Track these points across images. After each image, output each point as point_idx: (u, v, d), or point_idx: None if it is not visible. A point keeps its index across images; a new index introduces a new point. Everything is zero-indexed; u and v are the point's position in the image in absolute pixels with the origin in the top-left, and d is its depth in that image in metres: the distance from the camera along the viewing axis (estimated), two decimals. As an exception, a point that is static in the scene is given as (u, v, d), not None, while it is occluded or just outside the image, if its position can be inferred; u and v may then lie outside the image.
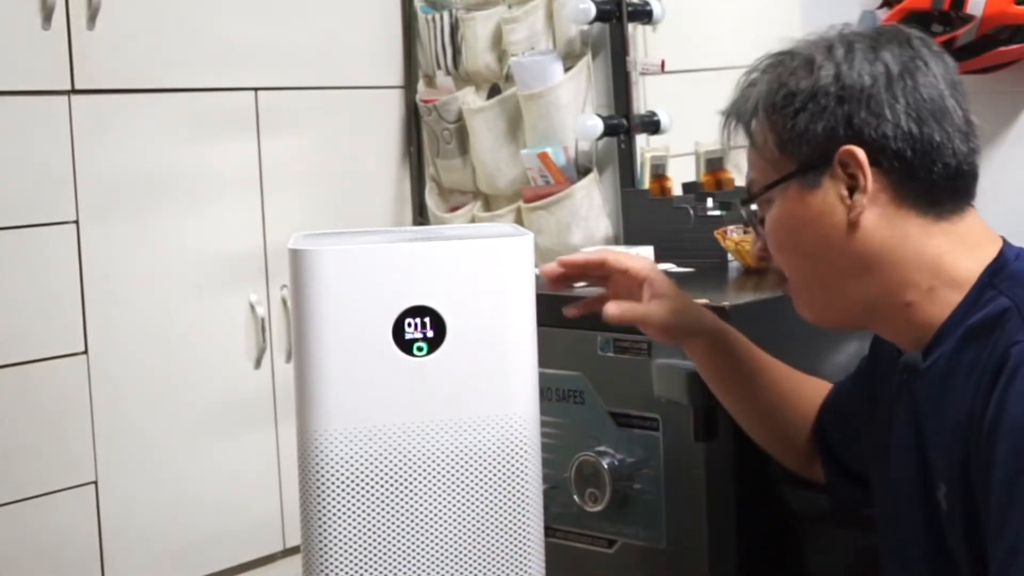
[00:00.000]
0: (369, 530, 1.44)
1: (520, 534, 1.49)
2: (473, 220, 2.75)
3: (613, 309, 1.55)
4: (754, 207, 1.39)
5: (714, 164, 2.56)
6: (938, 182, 1.29)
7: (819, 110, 1.30)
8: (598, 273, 1.60)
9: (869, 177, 1.28)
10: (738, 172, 2.58)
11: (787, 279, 1.39)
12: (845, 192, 1.30)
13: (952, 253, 1.30)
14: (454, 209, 2.82)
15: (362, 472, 1.43)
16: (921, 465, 1.31)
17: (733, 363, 1.60)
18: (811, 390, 1.63)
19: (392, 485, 1.44)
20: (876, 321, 1.36)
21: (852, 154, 1.28)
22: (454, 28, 2.74)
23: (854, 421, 1.53)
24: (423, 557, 1.45)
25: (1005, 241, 1.34)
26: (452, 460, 1.45)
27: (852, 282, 1.32)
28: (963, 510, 1.24)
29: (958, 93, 1.31)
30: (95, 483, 2.38)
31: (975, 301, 1.28)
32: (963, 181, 1.31)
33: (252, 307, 2.57)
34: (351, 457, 1.43)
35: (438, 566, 1.45)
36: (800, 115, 1.31)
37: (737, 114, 1.38)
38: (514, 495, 1.48)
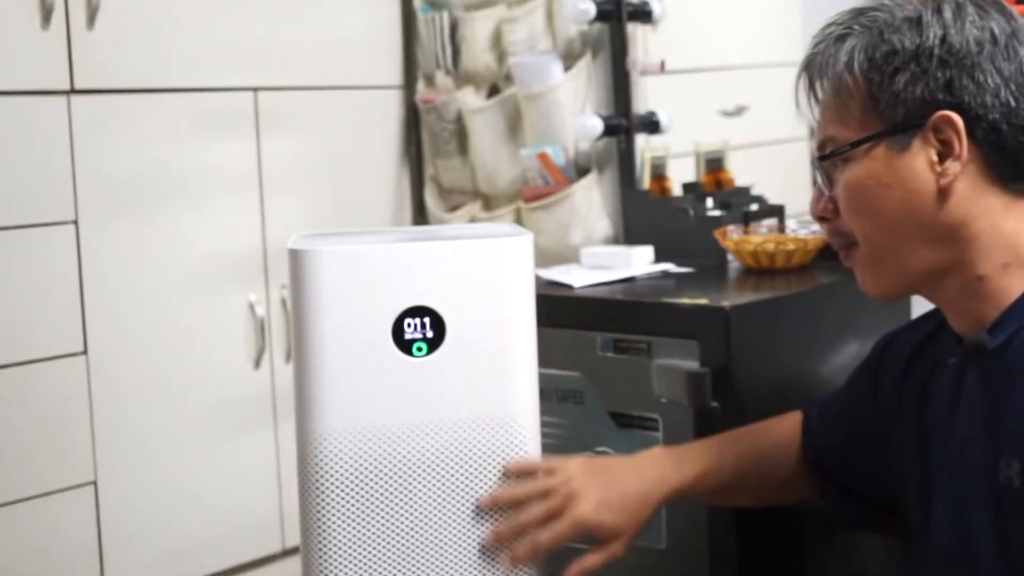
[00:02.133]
0: (369, 530, 1.44)
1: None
2: (473, 220, 2.75)
3: (576, 571, 1.51)
4: (835, 161, 1.33)
5: (714, 164, 2.56)
6: (1022, 158, 1.27)
7: (920, 71, 1.26)
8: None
9: (965, 145, 1.25)
10: (737, 172, 2.58)
11: (853, 245, 1.34)
12: (935, 158, 1.27)
13: None
14: (454, 209, 2.81)
15: (362, 472, 1.43)
16: (991, 445, 1.27)
17: (700, 487, 1.56)
18: (778, 434, 1.60)
19: (392, 485, 1.44)
20: (942, 292, 1.32)
21: (950, 120, 1.25)
22: (454, 28, 2.74)
23: (856, 439, 1.51)
24: (423, 557, 1.45)
25: None
26: (452, 460, 1.45)
27: (927, 249, 1.29)
28: None
29: None
30: (95, 483, 2.37)
31: None
32: None
33: (252, 307, 2.57)
34: (351, 457, 1.43)
35: (438, 566, 1.45)
36: (899, 74, 1.27)
37: (822, 66, 1.32)
38: (514, 495, 1.48)
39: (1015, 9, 1.30)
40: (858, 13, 1.33)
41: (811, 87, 1.35)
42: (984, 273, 1.28)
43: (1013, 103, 1.26)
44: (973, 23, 1.27)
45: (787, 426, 1.60)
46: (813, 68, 1.34)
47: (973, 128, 1.26)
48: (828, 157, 1.32)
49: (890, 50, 1.27)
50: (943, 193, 1.27)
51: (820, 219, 1.37)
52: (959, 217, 1.27)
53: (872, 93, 1.28)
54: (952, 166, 1.26)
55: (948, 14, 1.27)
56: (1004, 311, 1.28)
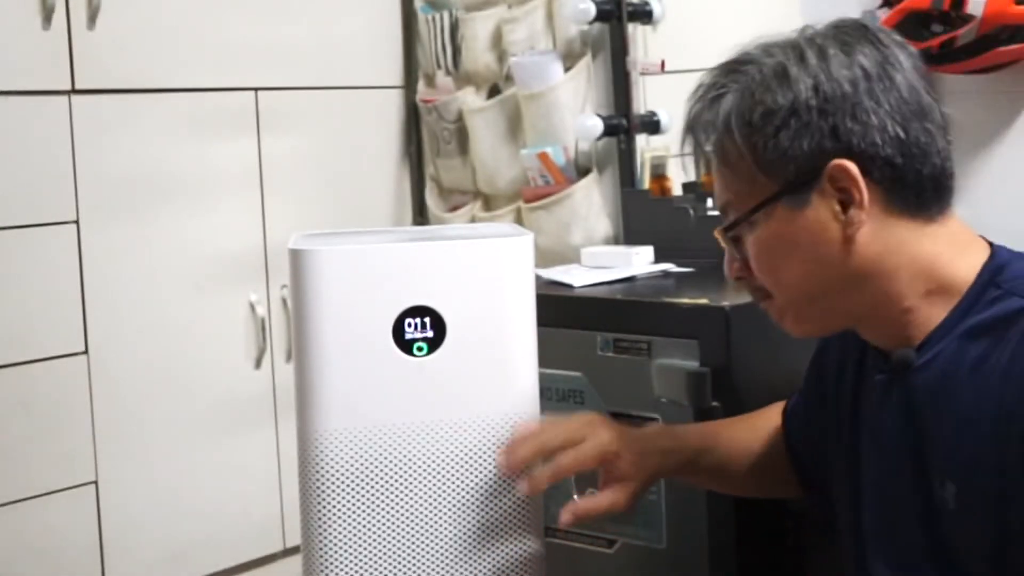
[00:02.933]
0: (369, 530, 1.44)
1: (520, 534, 1.49)
2: (473, 220, 2.75)
3: (567, 517, 1.47)
4: (737, 231, 1.31)
5: (714, 164, 2.56)
6: (926, 184, 1.24)
7: (802, 125, 1.22)
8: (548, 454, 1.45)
9: (864, 191, 1.22)
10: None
11: (770, 296, 1.33)
12: (838, 208, 1.23)
13: (946, 255, 1.27)
14: (454, 209, 2.82)
15: (362, 472, 1.43)
16: (919, 463, 1.28)
17: (699, 464, 1.54)
18: (763, 423, 1.59)
19: (392, 485, 1.44)
20: (868, 326, 1.32)
21: (844, 169, 1.22)
22: (454, 28, 2.74)
23: (816, 436, 1.50)
24: (423, 557, 1.45)
25: (988, 241, 1.31)
26: (452, 460, 1.45)
27: (847, 295, 1.27)
28: (981, 509, 1.21)
29: (929, 85, 1.26)
30: (95, 483, 2.38)
31: (976, 300, 1.26)
32: (948, 180, 1.27)
33: (252, 307, 2.57)
34: (351, 457, 1.43)
35: (438, 566, 1.45)
36: (782, 132, 1.23)
37: (703, 130, 1.30)
38: (514, 495, 1.48)
39: (881, 31, 1.27)
40: (729, 69, 1.29)
41: (700, 149, 1.32)
42: (910, 305, 1.27)
43: (902, 134, 1.22)
44: (841, 63, 1.23)
45: (772, 415, 1.60)
46: (696, 132, 1.31)
47: (869, 169, 1.22)
48: (731, 228, 1.30)
49: (765, 110, 1.23)
50: (851, 240, 1.24)
51: (737, 278, 1.35)
52: (873, 257, 1.25)
53: (758, 156, 1.25)
54: (857, 214, 1.23)
55: (813, 60, 1.24)
56: (930, 333, 1.27)
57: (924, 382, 1.27)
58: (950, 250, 1.27)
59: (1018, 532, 1.20)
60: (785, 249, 1.27)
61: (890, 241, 1.25)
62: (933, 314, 1.27)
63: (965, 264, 1.27)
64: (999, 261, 1.28)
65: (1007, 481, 1.20)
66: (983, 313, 1.24)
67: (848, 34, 1.26)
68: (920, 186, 1.24)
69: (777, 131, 1.23)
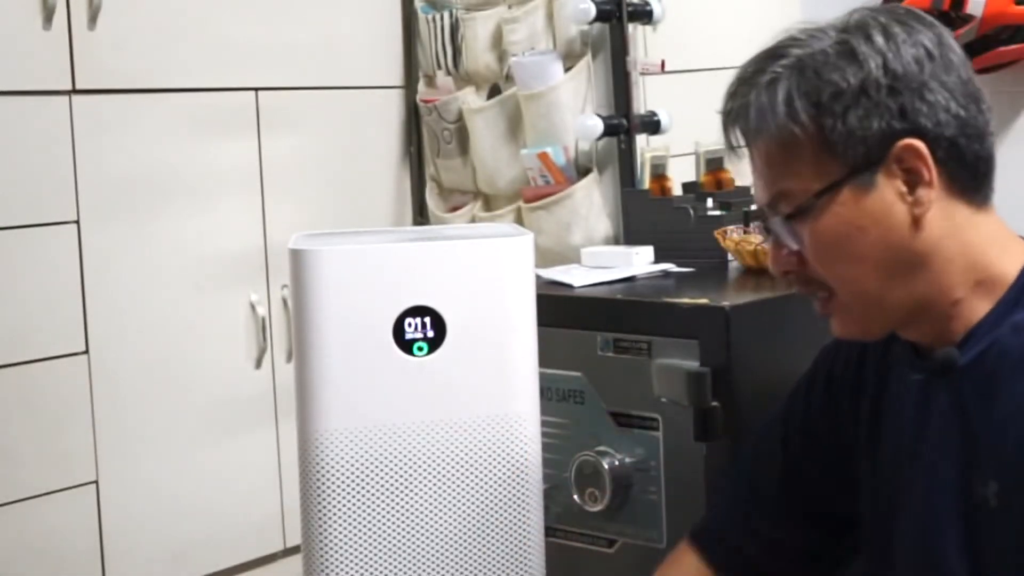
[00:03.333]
0: (369, 530, 1.44)
1: (520, 534, 1.49)
2: (473, 220, 2.75)
3: None
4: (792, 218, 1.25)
5: (714, 164, 2.56)
6: (980, 166, 1.24)
7: (872, 105, 1.20)
8: None
9: (934, 171, 1.20)
10: (738, 172, 2.58)
11: (831, 295, 1.28)
12: (904, 188, 1.21)
13: (993, 247, 1.25)
14: (454, 209, 2.82)
15: (362, 472, 1.44)
16: (965, 462, 1.24)
17: None
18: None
19: (392, 485, 1.44)
20: (919, 323, 1.27)
21: (913, 148, 1.20)
22: (454, 28, 2.74)
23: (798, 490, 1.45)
24: (423, 557, 1.45)
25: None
26: (452, 460, 1.45)
27: (904, 285, 1.24)
28: (1022, 508, 1.19)
29: (971, 69, 1.25)
30: (95, 483, 2.38)
31: (1020, 296, 1.23)
32: (993, 163, 1.26)
33: (252, 307, 2.57)
34: (351, 457, 1.43)
35: (438, 566, 1.45)
36: (850, 112, 1.20)
37: (757, 118, 1.24)
38: (514, 495, 1.48)
39: (928, 15, 1.26)
40: (772, 55, 1.25)
41: (746, 138, 1.27)
42: (960, 297, 1.24)
43: (963, 113, 1.21)
44: (906, 43, 1.21)
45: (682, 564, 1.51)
46: (748, 120, 1.26)
47: (934, 149, 1.20)
48: (794, 216, 1.24)
49: (835, 90, 1.20)
50: (919, 222, 1.22)
51: (785, 274, 1.30)
52: (936, 240, 1.22)
53: (826, 138, 1.21)
54: (926, 194, 1.21)
55: (880, 39, 1.21)
56: (972, 327, 1.24)
57: (971, 380, 1.24)
58: (996, 242, 1.25)
59: None
60: (854, 235, 1.23)
61: (949, 224, 1.23)
62: (977, 308, 1.24)
63: (1010, 259, 1.25)
64: None
65: None
66: None
67: (905, 15, 1.25)
68: (976, 168, 1.24)
69: (846, 110, 1.20)
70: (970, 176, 1.23)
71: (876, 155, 1.20)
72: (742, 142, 1.28)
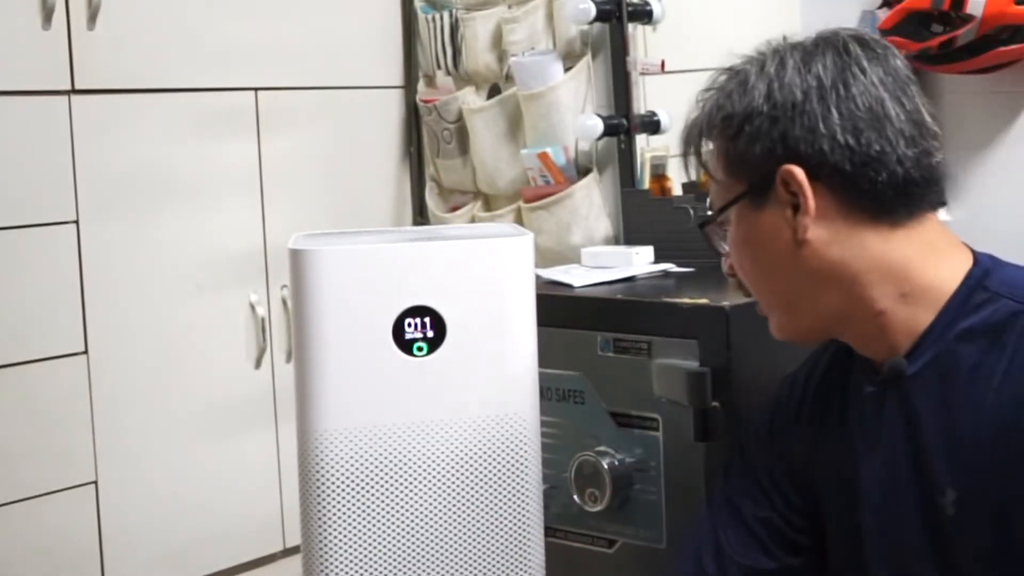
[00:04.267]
0: (369, 530, 1.44)
1: (520, 534, 1.49)
2: (473, 220, 2.75)
3: None
4: (717, 226, 1.38)
5: (714, 164, 2.56)
6: (886, 191, 1.26)
7: (755, 131, 1.28)
8: None
9: (809, 195, 1.26)
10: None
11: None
12: (790, 212, 1.28)
13: (920, 259, 1.28)
14: (454, 209, 2.82)
15: (362, 472, 1.43)
16: (919, 471, 1.28)
17: None
18: None
19: (392, 485, 1.44)
20: (847, 331, 1.34)
21: (791, 173, 1.26)
22: (454, 28, 2.74)
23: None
24: (423, 557, 1.45)
25: (971, 248, 1.32)
26: (452, 460, 1.45)
27: (816, 295, 1.30)
28: (981, 515, 1.22)
29: (903, 94, 1.28)
30: (95, 483, 2.38)
31: (963, 303, 1.26)
32: (915, 187, 1.27)
33: (252, 307, 2.57)
34: (351, 457, 1.43)
35: (438, 566, 1.45)
36: (739, 137, 1.29)
37: (687, 139, 1.37)
38: (514, 495, 1.48)
39: (856, 40, 1.29)
40: (715, 77, 1.36)
41: (687, 162, 1.39)
42: (883, 308, 1.28)
43: (853, 142, 1.25)
44: (797, 71, 1.27)
45: None
46: (687, 142, 1.37)
47: (818, 175, 1.26)
48: (706, 223, 1.38)
49: (726, 115, 1.30)
50: (803, 244, 1.28)
51: (729, 275, 1.40)
52: (833, 261, 1.28)
53: (725, 158, 1.32)
54: (803, 220, 1.27)
55: (771, 69, 1.28)
56: (917, 339, 1.28)
57: (919, 390, 1.27)
58: (925, 255, 1.28)
59: (1019, 539, 1.20)
60: (751, 248, 1.33)
61: (851, 245, 1.27)
62: (915, 316, 1.28)
63: (946, 268, 1.28)
64: (984, 265, 1.29)
65: (1007, 488, 1.20)
66: (973, 317, 1.25)
67: (819, 44, 1.30)
68: (879, 193, 1.26)
69: (736, 135, 1.30)
70: (872, 200, 1.27)
71: (764, 179, 1.28)
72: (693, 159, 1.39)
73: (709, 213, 1.39)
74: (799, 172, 1.26)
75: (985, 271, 1.28)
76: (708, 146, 1.34)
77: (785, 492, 1.46)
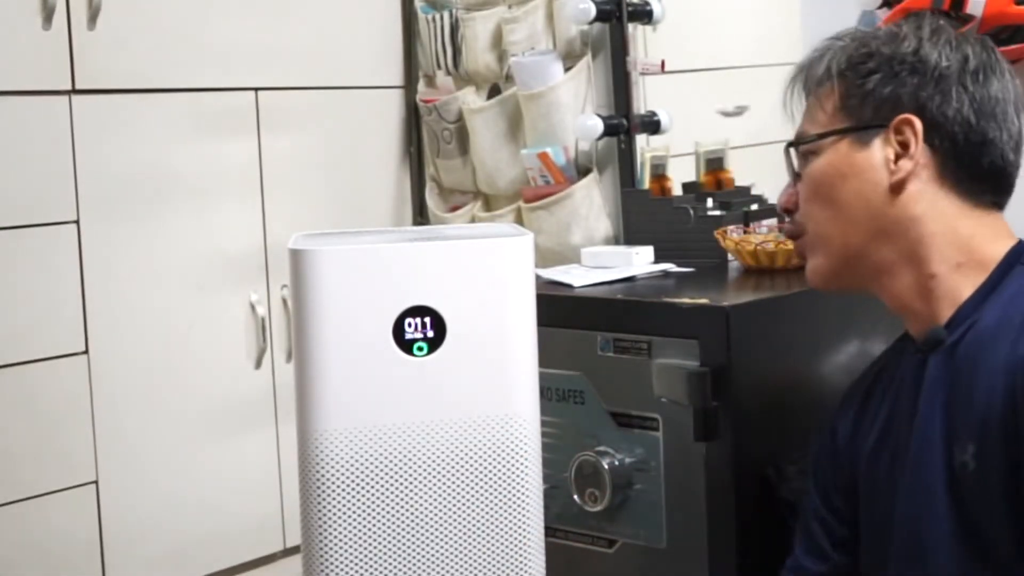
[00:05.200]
0: (369, 530, 1.44)
1: (520, 534, 1.49)
2: (473, 220, 2.75)
3: None
4: (803, 153, 1.43)
5: (714, 164, 2.56)
6: (981, 175, 1.36)
7: (891, 75, 1.36)
8: None
9: (920, 146, 1.34)
10: (738, 172, 2.58)
11: (804, 233, 1.43)
12: (892, 156, 1.35)
13: (984, 237, 1.36)
14: (454, 209, 2.82)
15: (362, 472, 1.44)
16: (948, 432, 1.33)
17: None
18: None
19: (392, 485, 1.44)
20: (889, 288, 1.39)
21: (910, 122, 1.34)
22: (454, 28, 2.74)
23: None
24: (423, 557, 1.45)
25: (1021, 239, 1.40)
26: (452, 460, 1.45)
27: (876, 245, 1.37)
28: (999, 469, 1.27)
29: (1021, 109, 1.38)
30: (95, 483, 2.38)
31: (1001, 278, 1.34)
32: (1004, 183, 1.38)
33: (252, 307, 2.57)
34: (351, 457, 1.43)
35: (438, 566, 1.45)
36: (872, 76, 1.37)
37: (809, 67, 1.43)
38: (514, 495, 1.48)
39: (1001, 52, 1.40)
40: (854, 30, 1.44)
41: (794, 90, 1.46)
42: (937, 271, 1.36)
43: (973, 121, 1.34)
44: (948, 44, 1.37)
45: None
46: (802, 73, 1.45)
47: (932, 135, 1.35)
48: (798, 143, 1.43)
49: (867, 52, 1.38)
50: (895, 189, 1.35)
51: (785, 211, 1.46)
52: (912, 215, 1.35)
53: (845, 91, 1.39)
54: (904, 164, 1.35)
55: (926, 31, 1.38)
56: (957, 308, 1.35)
57: (957, 357, 1.33)
58: (989, 236, 1.37)
59: None
60: (835, 180, 1.39)
61: (933, 207, 1.36)
62: (959, 287, 1.35)
63: (999, 248, 1.36)
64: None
65: (1015, 425, 1.25)
66: (1011, 287, 1.33)
67: (970, 36, 1.39)
68: (977, 173, 1.36)
69: (870, 73, 1.37)
70: (968, 175, 1.36)
71: (880, 119, 1.36)
72: (791, 93, 1.46)
73: (796, 138, 1.44)
74: (918, 122, 1.34)
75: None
76: (827, 80, 1.40)
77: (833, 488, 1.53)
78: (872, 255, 1.38)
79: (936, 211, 1.35)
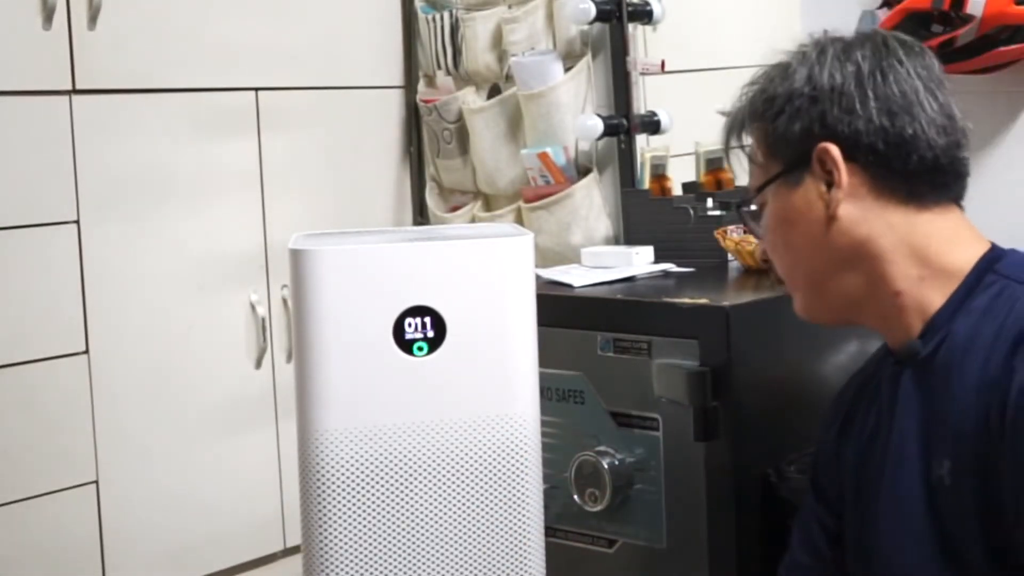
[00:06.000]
0: (369, 530, 1.44)
1: (520, 534, 1.49)
2: (473, 220, 2.75)
3: None
4: (754, 210, 1.44)
5: (714, 164, 2.56)
6: (916, 173, 1.34)
7: (795, 111, 1.36)
8: None
9: (843, 171, 1.34)
10: (739, 171, 2.58)
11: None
12: (824, 188, 1.35)
13: (940, 243, 1.34)
14: (454, 209, 2.82)
15: (362, 472, 1.44)
16: (925, 446, 1.33)
17: None
18: None
19: (392, 485, 1.44)
20: (865, 313, 1.39)
21: (826, 151, 1.34)
22: (454, 28, 2.74)
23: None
24: (423, 557, 1.45)
25: (991, 242, 1.38)
26: (452, 460, 1.46)
27: (840, 276, 1.37)
28: (971, 482, 1.26)
29: (937, 89, 1.36)
30: (95, 483, 2.38)
31: (974, 285, 1.32)
32: (943, 175, 1.35)
33: (252, 307, 2.57)
34: (351, 457, 1.43)
35: (438, 566, 1.46)
36: (780, 118, 1.37)
37: (730, 128, 1.45)
38: (514, 495, 1.48)
39: (895, 39, 1.38)
40: (760, 69, 1.43)
41: (728, 150, 1.47)
42: (901, 289, 1.35)
43: (888, 124, 1.33)
44: (837, 59, 1.36)
45: None
46: (729, 131, 1.46)
47: (853, 154, 1.34)
48: (743, 204, 1.45)
49: (768, 97, 1.39)
50: (834, 219, 1.35)
51: (762, 261, 1.51)
52: (861, 238, 1.35)
53: (765, 139, 1.40)
54: (836, 193, 1.34)
55: (813, 55, 1.37)
56: (928, 321, 1.34)
57: (932, 369, 1.33)
58: (946, 240, 1.35)
59: (1005, 508, 1.23)
60: (783, 227, 1.40)
61: (878, 224, 1.35)
62: (928, 298, 1.34)
63: (963, 255, 1.34)
64: (997, 252, 1.35)
65: (990, 452, 1.24)
66: (982, 297, 1.31)
67: (857, 39, 1.39)
68: (908, 174, 1.34)
69: (776, 116, 1.38)
70: (901, 181, 1.34)
71: (802, 156, 1.36)
72: (731, 156, 1.48)
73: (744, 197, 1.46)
74: (834, 149, 1.34)
75: (997, 256, 1.34)
76: (747, 139, 1.43)
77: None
78: (840, 286, 1.38)
79: (884, 226, 1.34)
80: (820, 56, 1.37)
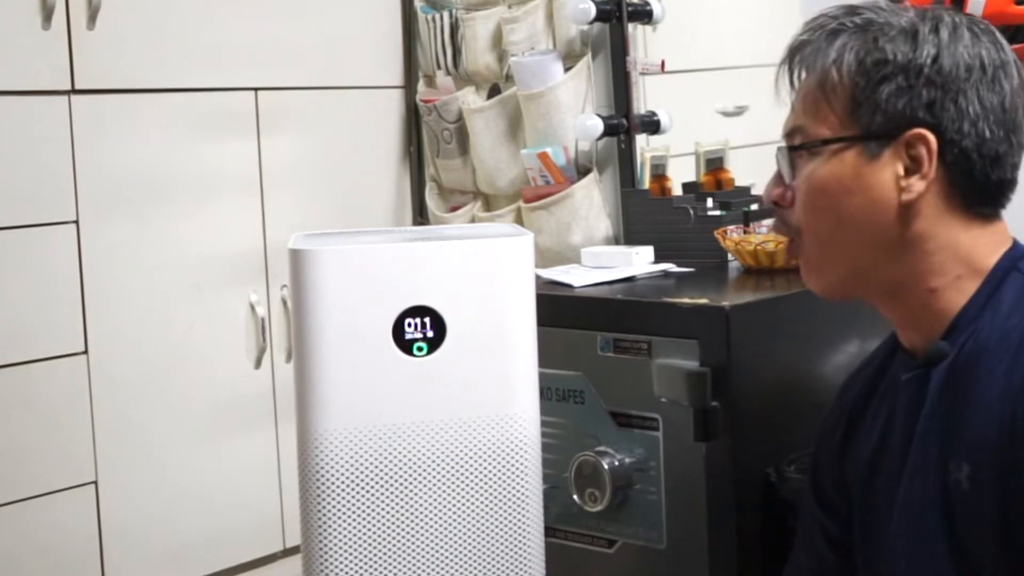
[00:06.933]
0: (369, 530, 1.44)
1: (520, 534, 1.49)
2: (473, 220, 2.75)
3: None
4: (799, 151, 1.33)
5: (714, 164, 2.56)
6: (991, 188, 1.30)
7: (907, 86, 1.27)
8: None
9: (934, 165, 1.27)
10: (737, 172, 2.58)
11: (798, 235, 1.34)
12: (902, 171, 1.28)
13: (984, 248, 1.30)
14: (454, 209, 2.82)
15: (362, 472, 1.44)
16: (945, 450, 1.28)
17: None
18: None
19: (392, 485, 1.44)
20: (896, 304, 1.34)
21: (925, 139, 1.26)
22: (454, 28, 2.74)
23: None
24: (423, 557, 1.45)
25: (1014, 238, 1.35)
26: (452, 460, 1.46)
27: (882, 262, 1.31)
28: (990, 488, 1.23)
29: (1020, 106, 1.31)
30: (95, 483, 2.37)
31: (998, 285, 1.29)
32: (1010, 190, 1.32)
33: (252, 307, 2.57)
34: (351, 457, 1.43)
35: (438, 566, 1.46)
36: (885, 84, 1.27)
37: (810, 55, 1.32)
38: (514, 495, 1.48)
39: (1005, 40, 1.33)
40: (853, 11, 1.32)
41: (792, 72, 1.35)
42: (936, 286, 1.30)
43: (988, 134, 1.27)
44: (966, 47, 1.28)
45: None
46: (800, 54, 1.33)
47: (945, 151, 1.27)
48: (797, 148, 1.32)
49: (881, 58, 1.28)
50: (904, 208, 1.28)
51: (774, 204, 1.37)
52: (918, 233, 1.29)
53: (855, 96, 1.28)
54: (916, 183, 1.27)
55: (944, 34, 1.28)
56: (953, 320, 1.30)
57: (957, 370, 1.29)
58: (988, 245, 1.31)
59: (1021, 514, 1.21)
60: (839, 194, 1.30)
61: (938, 224, 1.29)
62: (955, 299, 1.30)
63: (994, 256, 1.31)
64: (1020, 250, 1.32)
65: (1012, 457, 1.21)
66: (1008, 295, 1.28)
67: (984, 27, 1.31)
68: (985, 188, 1.29)
69: (883, 81, 1.27)
70: (976, 191, 1.29)
71: (891, 131, 1.27)
72: (786, 74, 1.35)
73: (795, 139, 1.33)
74: (933, 140, 1.26)
75: (1020, 254, 1.31)
76: (833, 74, 1.29)
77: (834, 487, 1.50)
78: (878, 273, 1.31)
79: (941, 227, 1.29)
80: (953, 35, 1.28)
